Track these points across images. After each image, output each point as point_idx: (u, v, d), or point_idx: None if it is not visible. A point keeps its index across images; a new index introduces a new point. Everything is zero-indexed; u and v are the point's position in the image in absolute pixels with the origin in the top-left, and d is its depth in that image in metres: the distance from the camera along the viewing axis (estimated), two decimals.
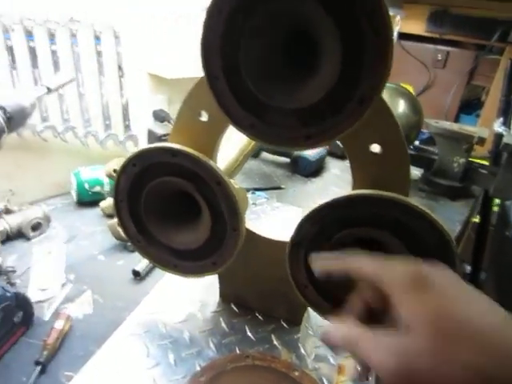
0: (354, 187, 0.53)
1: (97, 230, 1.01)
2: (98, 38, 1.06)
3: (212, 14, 0.43)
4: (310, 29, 0.41)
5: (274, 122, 0.46)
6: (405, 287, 0.36)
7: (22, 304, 0.64)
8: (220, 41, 0.44)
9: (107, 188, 1.13)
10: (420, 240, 0.49)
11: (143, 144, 1.37)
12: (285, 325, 0.72)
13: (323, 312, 0.59)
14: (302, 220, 0.53)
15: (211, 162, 0.56)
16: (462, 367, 0.30)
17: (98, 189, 1.12)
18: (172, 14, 1.23)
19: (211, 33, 0.44)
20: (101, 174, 1.11)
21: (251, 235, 0.66)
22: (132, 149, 1.30)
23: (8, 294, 0.60)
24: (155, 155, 0.58)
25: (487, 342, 0.31)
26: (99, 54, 1.09)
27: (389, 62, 0.38)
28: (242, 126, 0.48)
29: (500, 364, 0.30)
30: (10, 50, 0.93)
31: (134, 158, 0.60)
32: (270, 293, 0.73)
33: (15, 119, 0.59)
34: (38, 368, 0.63)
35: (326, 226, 0.52)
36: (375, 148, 0.48)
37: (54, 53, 1.00)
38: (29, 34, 0.94)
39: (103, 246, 0.95)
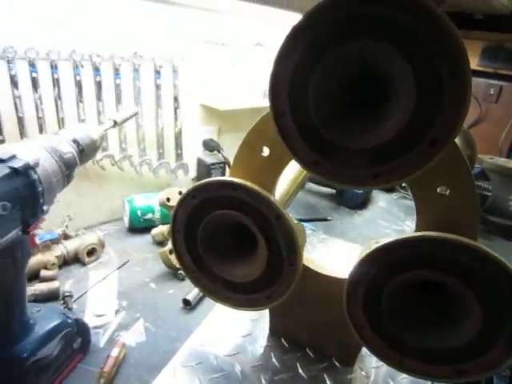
0: (418, 228, 0.52)
1: (148, 256, 1.03)
2: (158, 72, 1.12)
3: (284, 51, 0.44)
4: (383, 70, 0.41)
5: (339, 160, 0.45)
6: None
7: (82, 330, 0.65)
8: (290, 78, 0.45)
9: (158, 215, 1.16)
10: (488, 285, 0.46)
11: (193, 172, 1.40)
12: (337, 364, 0.70)
13: (378, 352, 0.57)
14: (363, 259, 0.52)
15: (271, 197, 0.56)
16: None
17: (149, 216, 1.15)
18: (225, 49, 1.28)
19: (282, 70, 0.45)
20: (153, 201, 1.14)
21: (307, 271, 0.65)
22: (182, 177, 1.33)
23: (69, 321, 0.62)
24: (216, 189, 0.59)
25: None
26: (158, 87, 1.14)
27: (466, 105, 0.37)
28: (306, 164, 0.48)
29: None
30: (79, 84, 0.99)
31: (193, 191, 0.61)
32: (322, 330, 0.71)
33: (86, 152, 0.62)
34: None
35: (386, 267, 0.51)
36: (443, 190, 0.47)
37: (117, 86, 1.06)
38: (96, 69, 1.00)
39: (154, 273, 0.96)
